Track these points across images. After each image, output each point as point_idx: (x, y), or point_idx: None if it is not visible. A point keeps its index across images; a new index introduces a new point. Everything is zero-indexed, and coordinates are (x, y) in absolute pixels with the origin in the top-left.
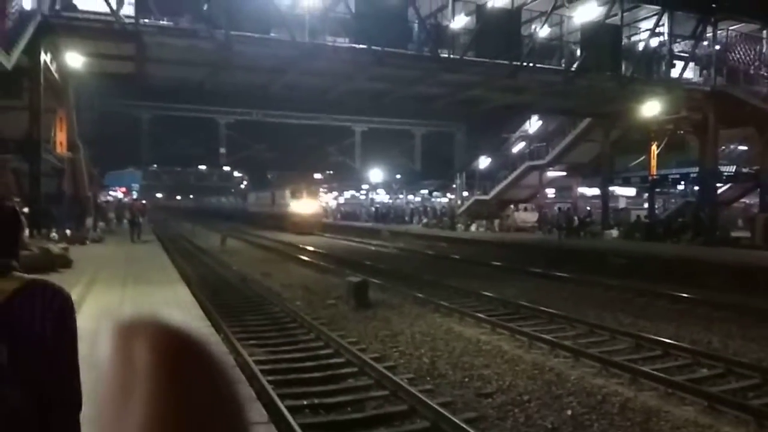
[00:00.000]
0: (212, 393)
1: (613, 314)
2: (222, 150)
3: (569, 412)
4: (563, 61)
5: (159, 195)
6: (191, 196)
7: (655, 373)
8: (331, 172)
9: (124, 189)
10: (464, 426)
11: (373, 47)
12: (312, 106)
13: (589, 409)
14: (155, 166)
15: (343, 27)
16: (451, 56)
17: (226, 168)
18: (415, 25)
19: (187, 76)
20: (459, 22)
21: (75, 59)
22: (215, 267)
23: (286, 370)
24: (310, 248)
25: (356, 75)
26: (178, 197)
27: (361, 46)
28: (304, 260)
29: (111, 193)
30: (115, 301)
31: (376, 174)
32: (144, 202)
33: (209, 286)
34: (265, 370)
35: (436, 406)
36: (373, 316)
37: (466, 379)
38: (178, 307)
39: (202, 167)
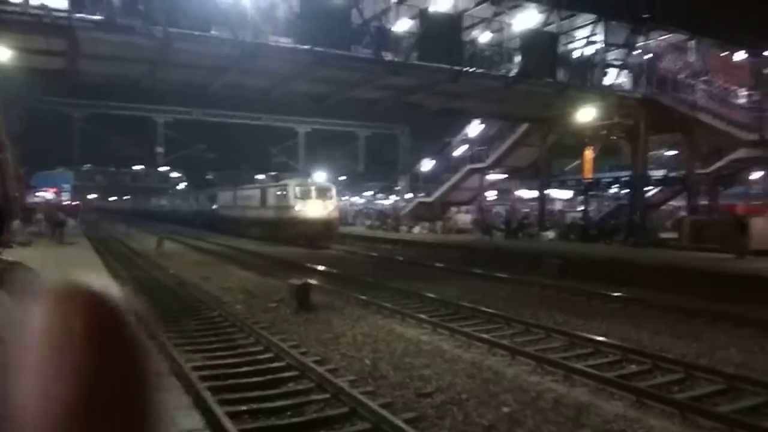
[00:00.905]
0: (130, 363)
1: (548, 313)
2: (159, 149)
3: (506, 409)
4: (503, 67)
5: (92, 196)
6: (127, 197)
7: (586, 369)
8: (275, 173)
9: (54, 189)
10: (404, 426)
11: (316, 48)
12: (254, 106)
13: (524, 405)
14: (88, 165)
15: (287, 27)
16: (394, 59)
17: (164, 168)
18: (359, 28)
19: (123, 73)
20: (402, 25)
21: (1, 53)
22: (151, 270)
23: (225, 376)
24: (254, 251)
25: (299, 76)
26: (113, 198)
27: (304, 46)
28: (245, 263)
29: (39, 194)
30: None
31: (319, 176)
32: (77, 203)
33: (145, 290)
34: (203, 376)
35: (377, 408)
36: (315, 318)
37: (407, 380)
38: None
39: (139, 167)
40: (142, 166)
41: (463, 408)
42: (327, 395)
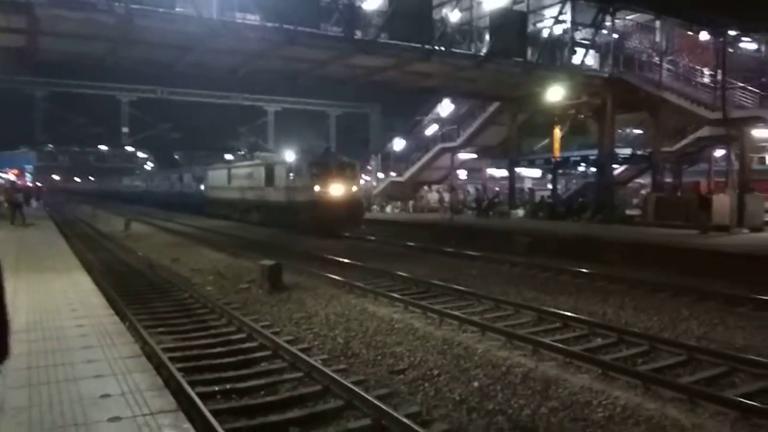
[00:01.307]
0: None
1: (517, 289)
2: (125, 129)
3: (476, 384)
4: (473, 45)
5: (56, 177)
6: (94, 178)
7: (554, 344)
8: (243, 152)
9: (15, 171)
10: (376, 402)
11: (285, 26)
12: (222, 85)
13: (494, 380)
14: (51, 146)
15: (254, 3)
16: (365, 38)
17: (129, 148)
18: (328, 5)
19: (85, 51)
20: (373, 3)
21: None
22: (119, 253)
23: (197, 357)
24: (226, 234)
25: (268, 54)
26: (78, 179)
27: (272, 24)
28: (216, 244)
29: (1, 175)
30: (8, 291)
31: (290, 155)
32: (39, 184)
33: (113, 272)
34: (174, 358)
35: (350, 385)
36: (288, 298)
37: (380, 357)
38: (78, 295)
39: (103, 147)
40: (107, 147)
41: (435, 384)
42: (300, 374)
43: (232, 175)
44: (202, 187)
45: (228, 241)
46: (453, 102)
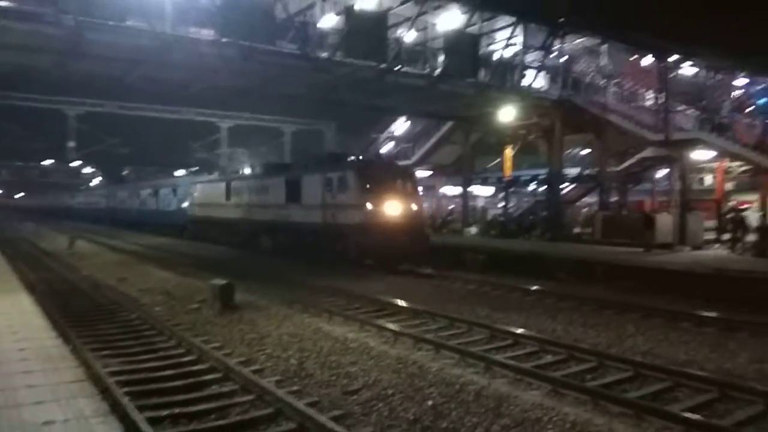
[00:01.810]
0: None
1: (471, 307)
2: (71, 144)
3: (430, 403)
4: (427, 66)
5: None
6: (40, 193)
7: (506, 361)
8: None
9: None
10: (329, 425)
11: (240, 42)
12: (174, 100)
13: (448, 398)
14: None
15: (209, 18)
16: (320, 56)
17: (76, 163)
18: (283, 22)
19: (31, 63)
20: (328, 21)
21: None
22: (62, 272)
23: (145, 380)
24: (173, 250)
25: (222, 69)
26: (20, 195)
27: (226, 39)
28: (164, 262)
29: None
30: None
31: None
32: None
33: (56, 293)
34: (121, 382)
35: (303, 407)
36: (240, 319)
37: (334, 378)
38: (19, 316)
39: (47, 162)
40: (52, 161)
41: (389, 403)
42: (252, 396)
43: (232, 189)
44: (185, 204)
45: (178, 259)
46: (408, 120)
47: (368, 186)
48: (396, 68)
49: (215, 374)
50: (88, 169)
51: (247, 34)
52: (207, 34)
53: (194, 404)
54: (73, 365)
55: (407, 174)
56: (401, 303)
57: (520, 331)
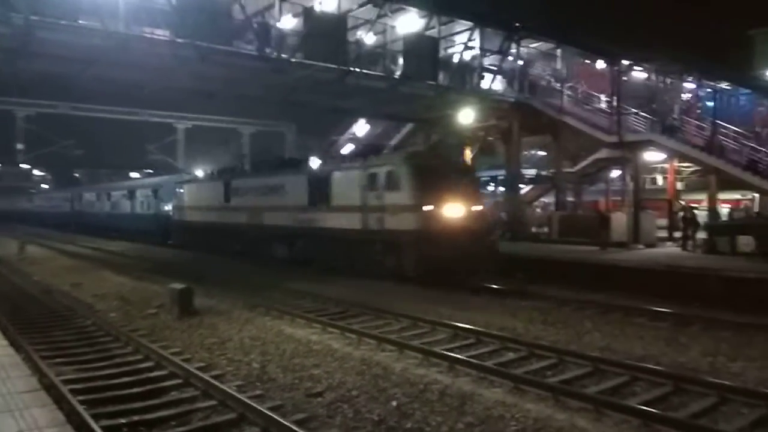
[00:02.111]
0: None
1: (434, 307)
2: (19, 146)
3: (394, 403)
4: (388, 68)
5: None
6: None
7: (469, 360)
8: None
9: None
10: (294, 428)
11: (197, 42)
12: (129, 101)
13: (412, 398)
14: None
15: (164, 19)
16: (280, 57)
17: (25, 166)
18: (242, 23)
19: None
20: (287, 23)
21: None
22: (12, 277)
23: (101, 388)
24: (131, 257)
25: (178, 70)
26: None
27: (181, 40)
28: (120, 267)
29: None
30: None
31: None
32: None
33: (7, 300)
34: (76, 390)
35: (266, 411)
36: (199, 323)
37: (297, 381)
38: None
39: None
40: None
41: (354, 405)
42: (214, 402)
43: (233, 189)
44: (168, 207)
45: (134, 263)
46: (369, 122)
47: (426, 183)
48: (356, 70)
49: (175, 380)
50: (37, 172)
51: (204, 35)
52: (162, 34)
53: (153, 411)
54: (26, 374)
55: (467, 168)
56: (366, 304)
57: (482, 329)
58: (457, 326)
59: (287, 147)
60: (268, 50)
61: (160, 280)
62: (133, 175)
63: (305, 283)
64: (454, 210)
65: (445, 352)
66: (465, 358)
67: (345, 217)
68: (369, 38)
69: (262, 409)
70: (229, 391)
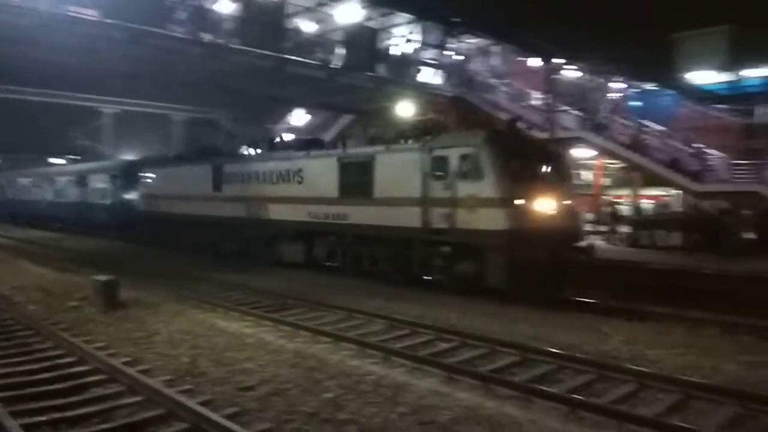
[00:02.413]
0: None
1: (370, 299)
2: None
3: (329, 395)
4: (327, 58)
5: None
6: None
7: (403, 351)
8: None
9: None
10: (223, 422)
11: (128, 24)
12: (52, 83)
13: (347, 389)
14: None
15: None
16: (215, 42)
17: None
18: (174, 5)
19: None
20: (224, 7)
21: None
22: None
23: (19, 385)
24: (51, 246)
25: (106, 52)
26: None
27: (110, 21)
28: (40, 257)
29: None
30: None
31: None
32: None
33: None
34: None
35: (195, 406)
36: (125, 316)
37: (229, 375)
38: None
39: None
40: None
41: (287, 398)
42: (140, 398)
43: (226, 175)
44: (132, 195)
45: (55, 254)
46: (308, 112)
47: (516, 170)
48: (294, 59)
49: (99, 376)
50: None
51: (136, 16)
52: (91, 14)
53: (75, 408)
54: None
55: (557, 153)
56: (303, 296)
57: (416, 320)
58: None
59: (221, 135)
60: (202, 34)
61: (84, 272)
62: (56, 161)
63: (240, 275)
64: (546, 205)
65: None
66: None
67: (395, 213)
68: (308, 26)
69: (190, 405)
70: (156, 386)
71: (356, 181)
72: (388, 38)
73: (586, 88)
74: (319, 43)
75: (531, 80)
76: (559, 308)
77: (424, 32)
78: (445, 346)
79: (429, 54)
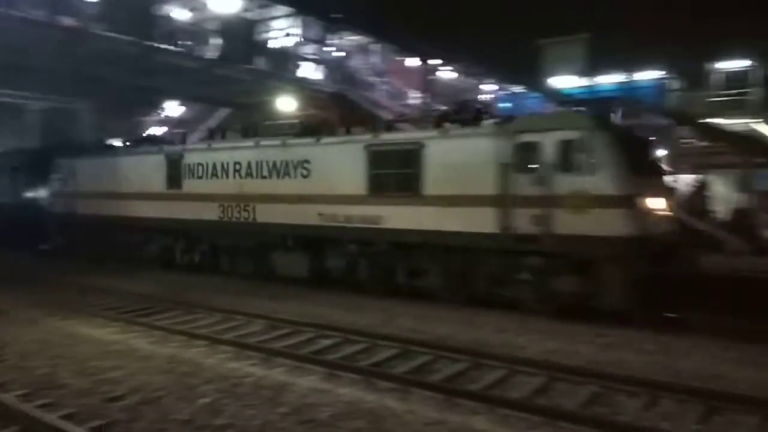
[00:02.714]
0: None
1: (250, 300)
2: None
3: (206, 400)
4: (203, 48)
5: None
6: None
7: (284, 350)
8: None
9: None
10: None
11: None
12: None
13: (224, 393)
14: None
15: None
16: (76, 26)
17: None
18: None
19: None
20: None
21: None
22: None
23: None
24: None
25: None
26: None
27: None
28: None
29: None
30: None
31: None
32: None
33: None
34: None
35: (56, 421)
36: None
37: (93, 386)
38: None
39: None
40: None
41: (159, 406)
42: None
43: (187, 167)
44: (38, 194)
45: None
46: (183, 104)
47: (631, 163)
48: (165, 47)
49: None
50: None
51: None
52: None
53: None
54: None
55: (651, 142)
56: (176, 299)
57: (297, 319)
58: None
59: (82, 127)
60: (62, 18)
61: None
62: None
63: (104, 278)
64: (662, 204)
65: None
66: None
67: (456, 215)
68: (181, 14)
69: (49, 419)
70: (10, 401)
71: (394, 174)
72: (267, 31)
73: (460, 88)
74: (193, 32)
75: (409, 79)
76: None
77: (305, 27)
78: (327, 342)
79: (309, 49)
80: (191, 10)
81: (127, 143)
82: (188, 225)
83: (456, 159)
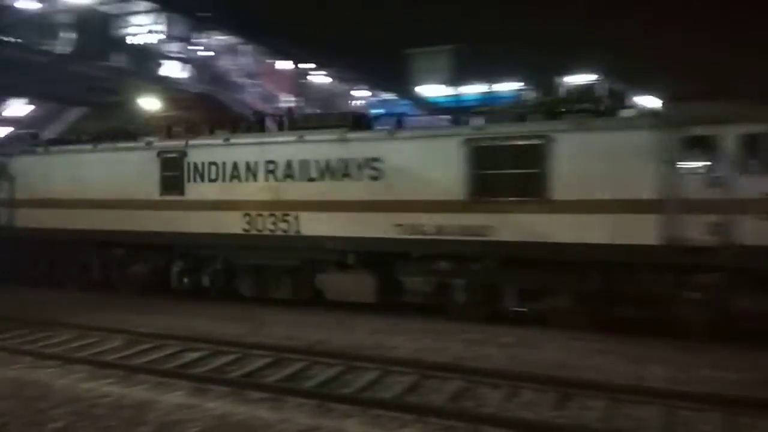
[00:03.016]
0: None
1: (107, 314)
2: None
3: (57, 425)
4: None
5: None
6: None
7: (146, 366)
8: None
9: None
10: None
11: None
12: None
13: (78, 416)
14: None
15: None
16: None
17: None
18: None
19: None
20: None
21: None
22: None
23: None
24: None
25: None
26: None
27: None
28: None
29: None
30: None
31: None
32: None
33: None
34: None
35: None
36: None
37: None
38: None
39: None
40: None
41: None
42: None
43: (194, 167)
44: None
45: None
46: (31, 103)
47: None
48: (6, 39)
49: None
50: None
51: None
52: None
53: None
54: None
55: None
56: (21, 316)
57: (162, 332)
58: None
59: None
60: None
61: None
62: None
63: None
64: None
65: None
66: None
67: (602, 223)
68: (27, 4)
69: None
70: None
71: (509, 175)
72: (127, 26)
73: (333, 93)
74: (42, 24)
75: (281, 83)
76: None
77: (170, 24)
78: (194, 356)
79: (174, 47)
80: (40, 0)
81: (87, 137)
82: (194, 240)
83: (597, 156)
